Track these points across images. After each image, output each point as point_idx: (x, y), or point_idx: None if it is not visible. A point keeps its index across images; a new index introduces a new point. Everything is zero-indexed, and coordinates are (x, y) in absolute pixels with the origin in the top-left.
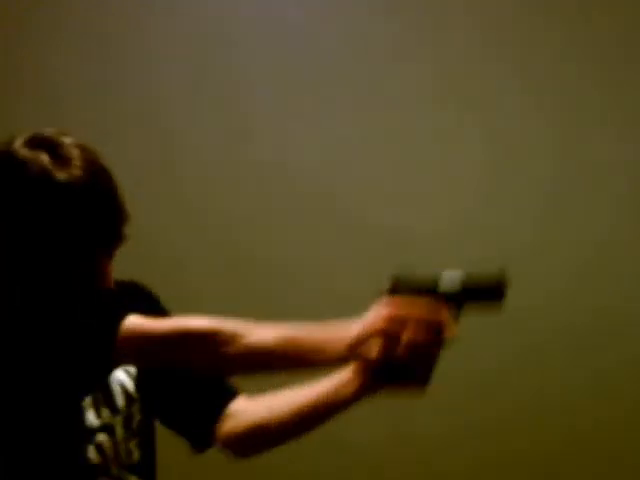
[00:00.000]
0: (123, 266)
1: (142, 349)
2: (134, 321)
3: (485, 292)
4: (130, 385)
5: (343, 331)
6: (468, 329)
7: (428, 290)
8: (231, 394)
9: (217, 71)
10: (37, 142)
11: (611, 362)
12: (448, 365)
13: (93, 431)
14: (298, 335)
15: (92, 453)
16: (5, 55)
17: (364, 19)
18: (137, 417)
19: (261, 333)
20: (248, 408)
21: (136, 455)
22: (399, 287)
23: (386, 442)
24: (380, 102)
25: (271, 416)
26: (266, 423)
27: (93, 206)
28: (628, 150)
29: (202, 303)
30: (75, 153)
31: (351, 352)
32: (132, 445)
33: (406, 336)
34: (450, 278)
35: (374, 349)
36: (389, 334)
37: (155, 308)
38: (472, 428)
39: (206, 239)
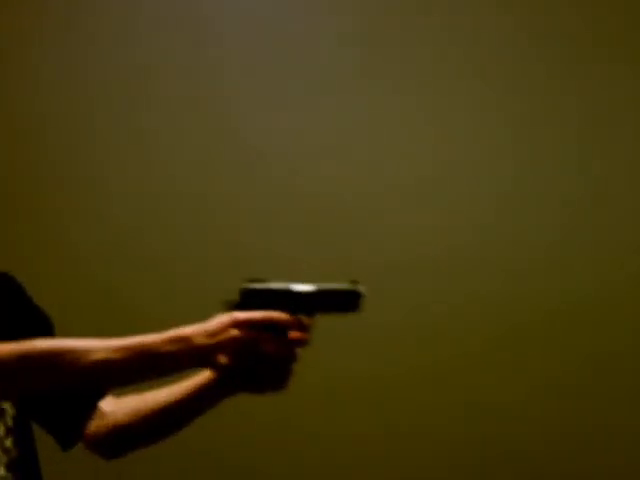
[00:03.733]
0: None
1: None
2: None
3: (338, 302)
4: None
5: (180, 330)
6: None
7: (279, 301)
8: (99, 393)
9: (201, 64)
10: None
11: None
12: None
13: None
14: (142, 342)
15: None
16: None
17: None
18: (10, 413)
19: (103, 345)
20: (114, 408)
21: (14, 452)
22: (249, 299)
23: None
24: (363, 91)
25: (135, 417)
26: (130, 424)
27: None
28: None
29: (184, 295)
30: None
31: (197, 354)
32: (9, 443)
33: (257, 344)
34: (302, 289)
35: (225, 357)
36: (242, 343)
37: (22, 302)
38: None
39: (187, 229)
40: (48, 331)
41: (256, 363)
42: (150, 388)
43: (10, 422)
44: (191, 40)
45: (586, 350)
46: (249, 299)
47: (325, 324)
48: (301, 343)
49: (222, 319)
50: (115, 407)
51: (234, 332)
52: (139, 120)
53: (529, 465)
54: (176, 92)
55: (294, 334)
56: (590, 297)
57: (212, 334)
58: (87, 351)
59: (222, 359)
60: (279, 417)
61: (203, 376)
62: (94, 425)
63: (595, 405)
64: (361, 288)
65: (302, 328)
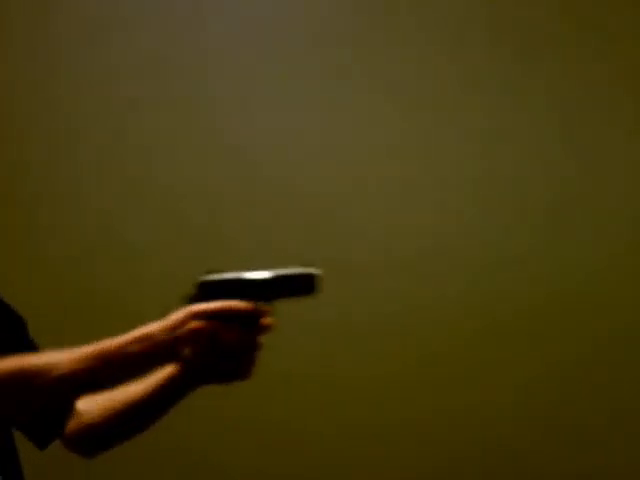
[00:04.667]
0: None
1: None
2: None
3: (295, 286)
4: None
5: (141, 329)
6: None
7: (235, 290)
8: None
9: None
10: None
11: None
12: None
13: None
14: (104, 347)
15: None
16: None
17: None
18: None
19: (67, 356)
20: (88, 407)
21: None
22: (205, 291)
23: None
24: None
25: (109, 414)
26: (104, 422)
27: None
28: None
29: (162, 282)
30: None
31: (159, 349)
32: None
33: (220, 334)
34: (256, 276)
35: (188, 349)
36: (202, 334)
37: None
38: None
39: (159, 216)
40: (20, 330)
41: (218, 353)
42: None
43: None
44: (177, 40)
45: (570, 346)
46: (205, 291)
47: (309, 321)
48: (262, 330)
49: (179, 313)
50: (89, 405)
51: (193, 324)
52: (122, 121)
53: (517, 462)
54: (159, 93)
55: (254, 321)
56: (573, 293)
57: (171, 328)
58: (51, 367)
59: (184, 352)
60: (262, 415)
61: (168, 370)
62: (71, 425)
63: (581, 400)
64: (315, 270)
65: (261, 315)
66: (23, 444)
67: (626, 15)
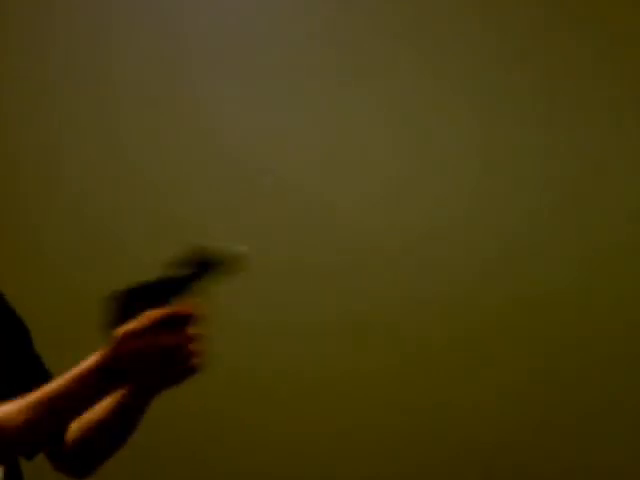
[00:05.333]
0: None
1: None
2: None
3: (211, 263)
4: None
5: (86, 366)
6: None
7: (147, 297)
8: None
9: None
10: None
11: None
12: None
13: None
14: (43, 391)
15: None
16: None
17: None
18: None
19: (14, 409)
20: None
21: None
22: (120, 305)
23: None
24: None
25: (81, 435)
26: (80, 443)
27: None
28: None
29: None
30: None
31: (109, 378)
32: None
33: (155, 343)
34: (154, 279)
35: (133, 370)
36: (142, 352)
37: None
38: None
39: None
40: (24, 336)
41: (161, 363)
42: None
43: None
44: (159, 37)
45: (562, 344)
46: (121, 305)
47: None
48: (194, 322)
49: (112, 340)
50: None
51: (128, 345)
52: (108, 120)
53: (498, 460)
54: (142, 92)
55: (183, 319)
56: (564, 292)
57: (113, 357)
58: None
59: (131, 373)
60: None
61: (120, 392)
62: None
63: (562, 400)
64: (218, 249)
65: (185, 310)
66: None
67: (627, 14)
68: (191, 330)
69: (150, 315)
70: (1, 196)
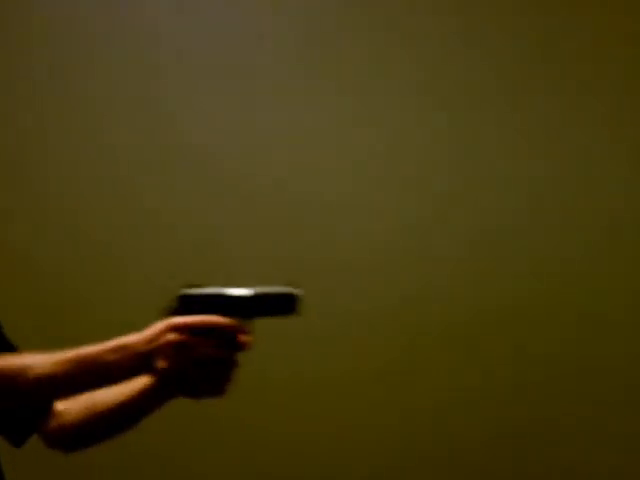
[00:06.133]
0: None
1: None
2: None
3: (276, 305)
4: None
5: (122, 339)
6: None
7: (216, 305)
8: None
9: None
10: None
11: None
12: None
13: None
14: (82, 353)
15: None
16: None
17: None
18: None
19: (45, 359)
20: (66, 407)
21: None
22: (186, 304)
23: None
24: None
25: (86, 417)
26: (82, 423)
27: None
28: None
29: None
30: None
31: (138, 359)
32: None
33: (197, 349)
34: (239, 292)
35: (164, 362)
36: (179, 347)
37: None
38: None
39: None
40: None
41: (193, 367)
42: None
43: None
44: (139, 38)
45: (534, 346)
46: (186, 305)
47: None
48: (239, 347)
49: (158, 325)
50: (69, 405)
51: (170, 336)
52: (74, 120)
53: (481, 457)
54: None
55: (232, 338)
56: (535, 291)
57: (149, 340)
58: (29, 369)
59: (160, 364)
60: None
61: (143, 381)
62: (51, 423)
63: (545, 396)
64: (298, 291)
65: (240, 332)
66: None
67: (619, 15)
68: (234, 353)
69: (207, 318)
70: None
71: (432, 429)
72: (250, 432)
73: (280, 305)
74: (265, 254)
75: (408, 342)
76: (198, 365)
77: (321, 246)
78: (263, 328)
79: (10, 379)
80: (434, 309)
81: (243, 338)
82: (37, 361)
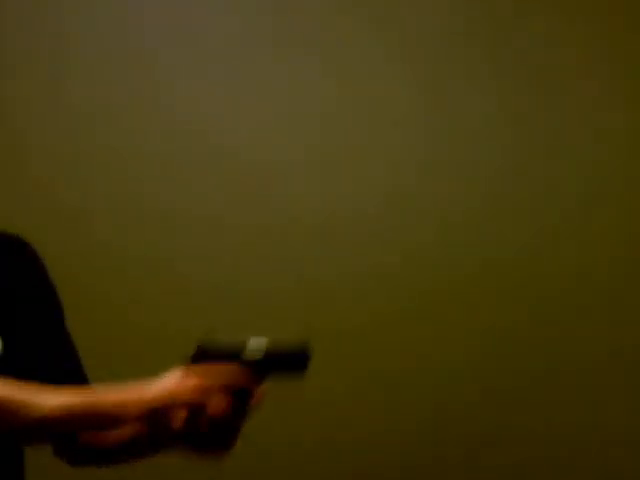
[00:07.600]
0: None
1: None
2: None
3: (288, 361)
4: None
5: (140, 391)
6: None
7: (233, 357)
8: None
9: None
10: None
11: None
12: None
13: None
14: (92, 399)
15: None
16: None
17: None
18: None
19: (52, 399)
20: None
21: None
22: (203, 354)
23: None
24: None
25: (100, 441)
26: (95, 445)
27: None
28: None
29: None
30: None
31: (151, 416)
32: None
33: (210, 408)
34: (255, 345)
35: (177, 419)
36: (194, 406)
37: (34, 274)
38: None
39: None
40: (57, 315)
41: (201, 425)
42: None
43: None
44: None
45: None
46: (204, 355)
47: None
48: (251, 404)
49: (174, 380)
50: None
51: (186, 396)
52: (63, 120)
53: (468, 425)
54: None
55: (247, 394)
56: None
57: (164, 398)
58: (35, 406)
59: (174, 423)
60: None
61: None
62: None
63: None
64: (308, 349)
65: (254, 389)
66: None
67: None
68: (245, 409)
69: (221, 379)
70: None
71: (432, 429)
72: (250, 432)
73: (292, 363)
74: (267, 253)
75: (408, 343)
76: (208, 419)
77: (296, 217)
78: None
79: (13, 412)
80: (434, 308)
81: (256, 395)
82: (45, 401)
